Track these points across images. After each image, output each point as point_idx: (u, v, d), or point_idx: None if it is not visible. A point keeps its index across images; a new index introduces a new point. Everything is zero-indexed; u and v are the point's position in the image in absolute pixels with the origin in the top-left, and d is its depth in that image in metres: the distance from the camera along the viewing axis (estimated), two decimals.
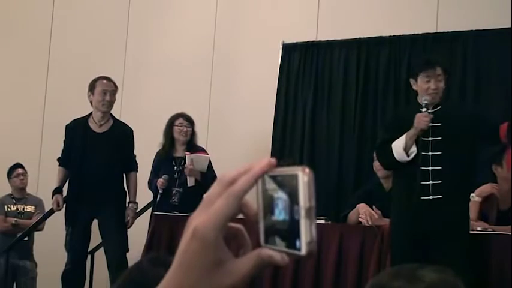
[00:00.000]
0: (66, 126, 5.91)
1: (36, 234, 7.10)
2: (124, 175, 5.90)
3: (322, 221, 5.62)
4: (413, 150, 4.52)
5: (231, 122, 7.30)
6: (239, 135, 7.10)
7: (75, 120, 5.92)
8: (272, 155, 6.66)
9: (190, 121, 6.22)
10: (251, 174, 0.72)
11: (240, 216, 0.75)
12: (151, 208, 6.29)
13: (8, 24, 8.65)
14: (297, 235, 0.69)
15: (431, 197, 4.46)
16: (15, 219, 7.00)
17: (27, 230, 6.85)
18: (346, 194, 6.55)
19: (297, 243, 0.70)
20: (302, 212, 0.69)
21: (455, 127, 4.55)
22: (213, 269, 0.72)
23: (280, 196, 0.71)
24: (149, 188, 6.24)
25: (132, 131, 5.96)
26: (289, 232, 0.70)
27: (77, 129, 5.83)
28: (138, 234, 5.99)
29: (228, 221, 0.72)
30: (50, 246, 6.74)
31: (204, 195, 0.76)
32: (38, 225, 6.87)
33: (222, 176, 0.74)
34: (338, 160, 6.68)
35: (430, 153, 4.52)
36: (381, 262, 4.89)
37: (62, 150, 5.92)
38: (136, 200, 5.93)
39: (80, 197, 5.70)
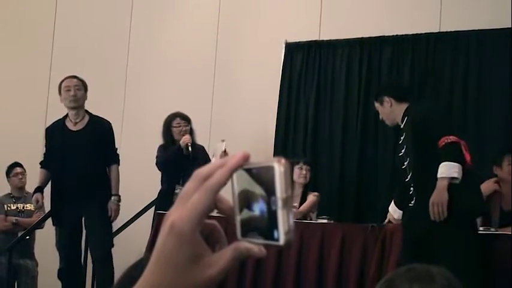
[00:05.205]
0: (46, 129, 5.96)
1: (37, 232, 7.08)
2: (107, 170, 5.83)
3: (325, 221, 5.62)
4: None
5: (233, 122, 7.29)
6: (242, 134, 7.09)
7: (54, 122, 5.94)
8: (275, 154, 6.66)
9: (187, 119, 6.18)
10: (226, 168, 0.72)
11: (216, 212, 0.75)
12: (154, 207, 6.29)
13: (10, 25, 8.66)
14: (275, 226, 0.70)
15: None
16: (16, 218, 6.98)
17: (28, 229, 6.84)
18: (349, 193, 6.55)
19: (275, 233, 0.70)
20: (279, 203, 0.69)
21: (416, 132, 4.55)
22: (191, 263, 0.72)
23: (256, 188, 0.71)
24: (162, 166, 6.04)
25: (110, 124, 5.90)
26: (267, 223, 0.71)
27: (55, 130, 5.84)
28: (140, 233, 5.99)
29: (205, 216, 0.72)
30: (50, 244, 6.72)
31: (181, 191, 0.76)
32: (39, 225, 6.87)
33: (197, 171, 0.74)
34: (340, 159, 6.67)
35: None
36: (383, 262, 4.89)
37: (44, 153, 5.94)
38: (120, 193, 5.83)
39: (64, 196, 5.69)
